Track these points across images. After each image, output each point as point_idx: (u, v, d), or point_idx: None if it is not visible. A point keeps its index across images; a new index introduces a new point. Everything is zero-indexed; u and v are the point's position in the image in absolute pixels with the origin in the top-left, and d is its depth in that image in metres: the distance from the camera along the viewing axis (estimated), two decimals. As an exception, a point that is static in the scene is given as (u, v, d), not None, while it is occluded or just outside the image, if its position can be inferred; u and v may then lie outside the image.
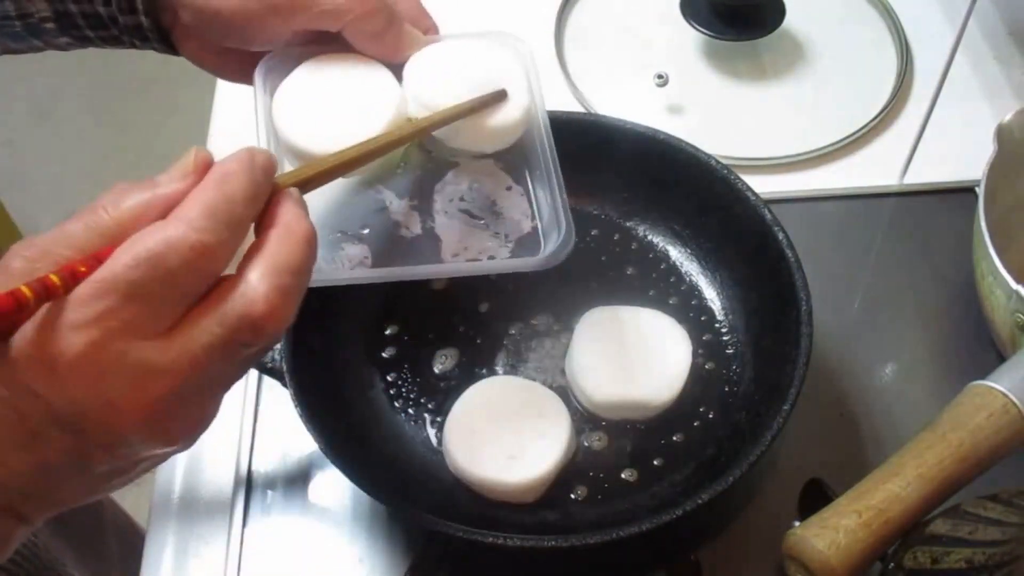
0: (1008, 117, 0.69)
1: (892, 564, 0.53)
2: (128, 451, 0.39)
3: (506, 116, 0.57)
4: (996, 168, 0.68)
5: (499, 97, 0.57)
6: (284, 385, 0.61)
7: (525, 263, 0.57)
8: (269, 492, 0.66)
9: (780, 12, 0.87)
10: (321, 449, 0.58)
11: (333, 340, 0.67)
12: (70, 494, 0.41)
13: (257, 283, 0.39)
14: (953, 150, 0.80)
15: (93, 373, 0.37)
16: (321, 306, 0.66)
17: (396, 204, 0.60)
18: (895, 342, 0.73)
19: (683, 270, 0.73)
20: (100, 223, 0.38)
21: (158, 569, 0.63)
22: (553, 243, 0.56)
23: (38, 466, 0.38)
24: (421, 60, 0.57)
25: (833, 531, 0.52)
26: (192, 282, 0.38)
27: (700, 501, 0.55)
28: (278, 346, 0.62)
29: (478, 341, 0.69)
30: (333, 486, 0.66)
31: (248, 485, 0.66)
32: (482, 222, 0.60)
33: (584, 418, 0.66)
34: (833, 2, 0.95)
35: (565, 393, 0.66)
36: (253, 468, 0.67)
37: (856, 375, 0.71)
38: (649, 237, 0.74)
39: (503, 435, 0.62)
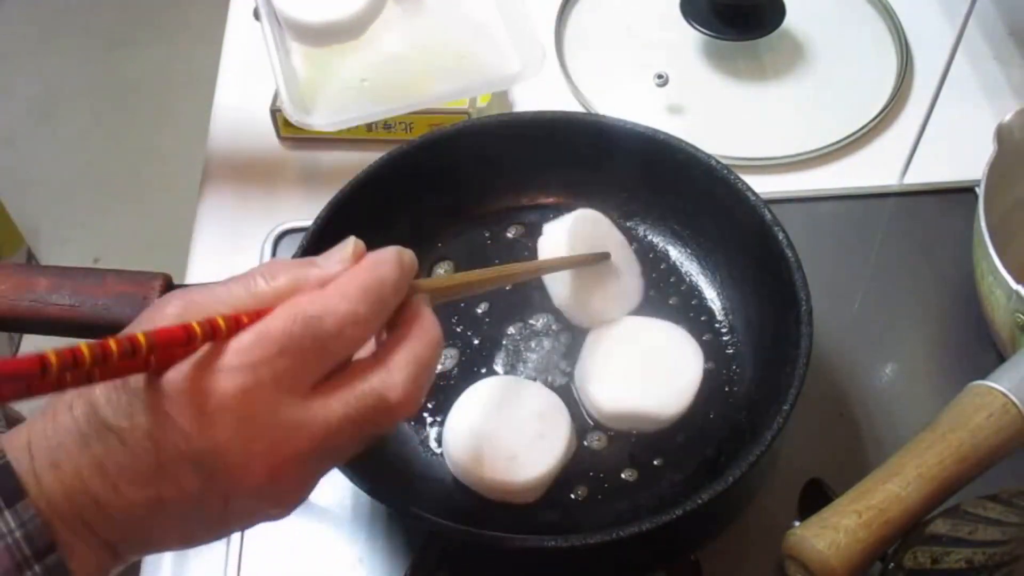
0: (1008, 117, 0.69)
1: (892, 564, 0.53)
2: (241, 506, 0.40)
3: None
4: (996, 168, 0.68)
5: (604, 257, 0.66)
6: (284, 385, 0.61)
7: (500, 78, 0.69)
8: (269, 492, 0.66)
9: (780, 12, 0.87)
10: (321, 449, 0.57)
11: (333, 340, 0.67)
12: (168, 539, 0.42)
13: (398, 370, 0.41)
14: (953, 150, 0.80)
15: (240, 417, 0.38)
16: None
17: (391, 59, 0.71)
18: (895, 342, 0.73)
19: (683, 270, 0.73)
20: (259, 290, 0.41)
21: (158, 569, 0.63)
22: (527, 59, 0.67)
23: (152, 502, 0.39)
24: None
25: (833, 531, 0.52)
26: (339, 348, 0.41)
27: (700, 501, 0.55)
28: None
29: (478, 341, 0.69)
30: (333, 486, 0.66)
31: (248, 485, 0.66)
32: (465, 58, 0.71)
33: (584, 418, 0.66)
34: (833, 2, 0.95)
35: (565, 393, 0.65)
36: (253, 468, 0.67)
37: (856, 375, 0.71)
38: (649, 237, 0.74)
39: (503, 435, 0.62)
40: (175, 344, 0.38)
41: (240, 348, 0.39)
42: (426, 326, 0.44)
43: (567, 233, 0.67)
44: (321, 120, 0.64)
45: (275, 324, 0.39)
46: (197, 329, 0.38)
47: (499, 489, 0.61)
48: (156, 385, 0.39)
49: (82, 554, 0.39)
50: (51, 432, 0.40)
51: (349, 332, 0.40)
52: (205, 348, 0.39)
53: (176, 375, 0.38)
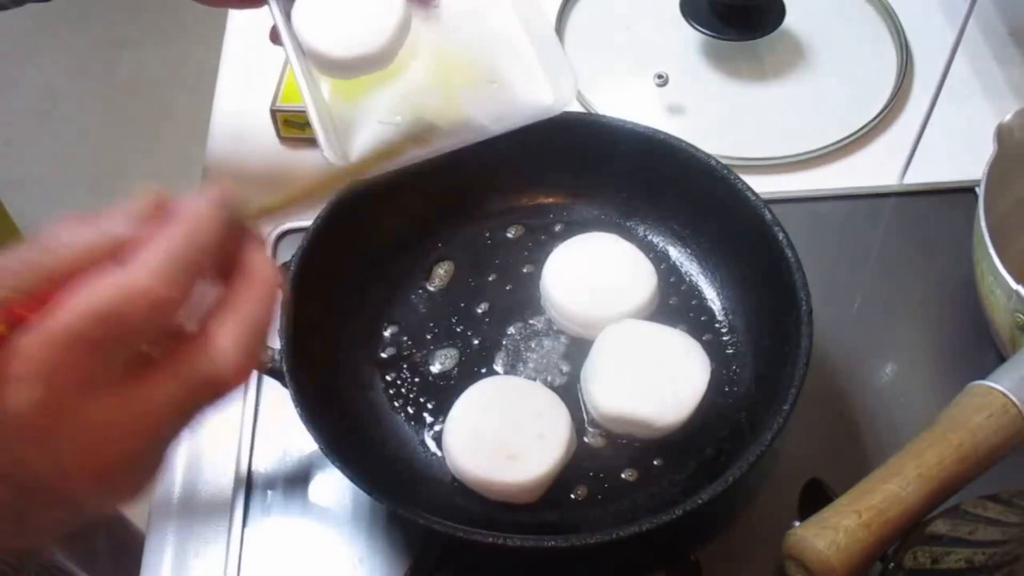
0: (1008, 117, 0.69)
1: (892, 564, 0.53)
2: (69, 508, 0.37)
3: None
4: (996, 168, 0.68)
5: (429, 130, 0.57)
6: (284, 385, 0.61)
7: (536, 110, 0.61)
8: (269, 492, 0.66)
9: (780, 12, 0.87)
10: (321, 449, 0.58)
11: (333, 341, 0.67)
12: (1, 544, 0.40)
13: (228, 348, 0.37)
14: (953, 150, 0.80)
15: (41, 432, 0.34)
16: (321, 307, 0.66)
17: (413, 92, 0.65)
18: (895, 342, 0.73)
19: (683, 270, 0.73)
20: (45, 264, 0.35)
21: (158, 569, 0.63)
22: (561, 87, 0.60)
23: None
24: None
25: (833, 531, 0.52)
26: (148, 333, 0.36)
27: (700, 501, 0.55)
28: (277, 346, 0.62)
29: (477, 341, 0.69)
30: (333, 486, 0.66)
31: (248, 485, 0.66)
32: (494, 84, 0.64)
33: (585, 418, 0.66)
34: (833, 2, 0.95)
35: (565, 393, 0.65)
36: (253, 468, 0.67)
37: (856, 375, 0.71)
38: (649, 237, 0.74)
39: (503, 435, 0.62)
40: None
41: (29, 355, 0.33)
42: (259, 277, 0.38)
43: None
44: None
45: (70, 323, 0.34)
46: None
47: (499, 489, 0.61)
48: None
49: None
50: None
51: (160, 319, 0.35)
52: None
53: None
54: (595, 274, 0.69)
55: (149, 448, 0.37)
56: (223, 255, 0.38)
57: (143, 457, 0.37)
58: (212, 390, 0.37)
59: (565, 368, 0.68)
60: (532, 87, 0.63)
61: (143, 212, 0.37)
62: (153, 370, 0.36)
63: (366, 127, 0.63)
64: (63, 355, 0.34)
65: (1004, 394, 0.56)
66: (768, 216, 0.66)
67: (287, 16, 0.62)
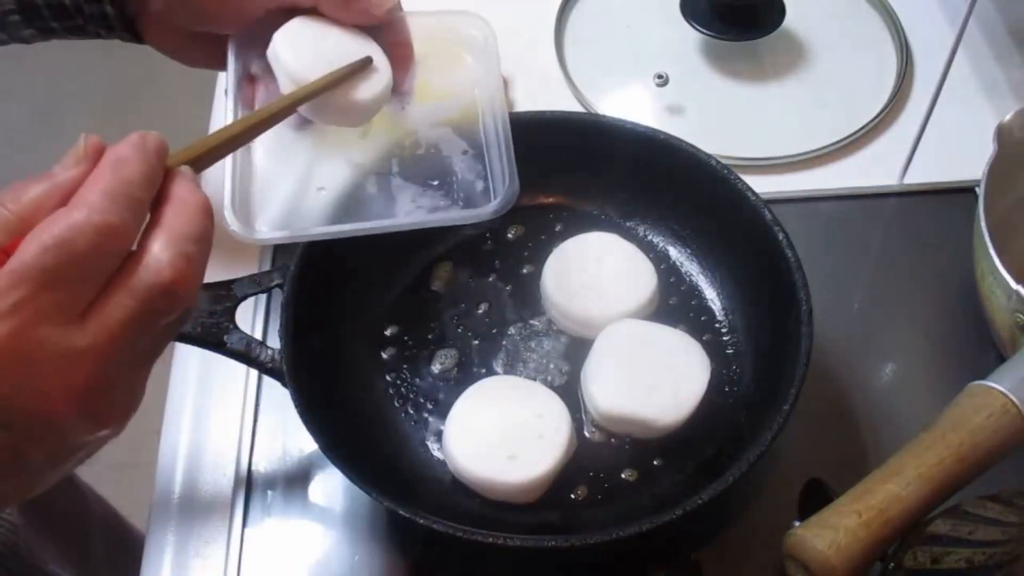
0: (1008, 117, 0.69)
1: (892, 564, 0.53)
2: (61, 441, 0.40)
3: (369, 89, 0.58)
4: (996, 168, 0.68)
5: (365, 64, 0.58)
6: (284, 385, 0.61)
7: (474, 213, 0.61)
8: (269, 492, 0.66)
9: (780, 12, 0.87)
10: (321, 449, 0.58)
11: (333, 340, 0.67)
12: (6, 491, 0.41)
13: (160, 253, 0.40)
14: (953, 150, 0.80)
15: (16, 363, 0.37)
16: (321, 307, 0.66)
17: (356, 168, 0.64)
18: (895, 342, 0.73)
19: (683, 270, 0.73)
20: (1, 219, 0.39)
21: (158, 569, 0.63)
22: (501, 195, 0.59)
23: None
24: (291, 34, 0.58)
25: (833, 531, 0.52)
26: (101, 263, 0.39)
27: (700, 501, 0.55)
28: (277, 346, 0.62)
29: (478, 341, 0.69)
30: (333, 486, 0.66)
31: (248, 485, 0.66)
32: (435, 183, 0.64)
33: (584, 418, 0.66)
34: (833, 2, 0.95)
35: (565, 393, 0.65)
36: (253, 468, 0.67)
37: (856, 375, 0.71)
38: (649, 237, 0.74)
39: (503, 435, 0.62)
40: None
41: None
42: (184, 199, 0.42)
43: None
44: (262, 232, 0.57)
45: (25, 259, 0.37)
46: None
47: (499, 489, 0.61)
48: None
49: None
50: None
51: (106, 245, 0.39)
52: None
53: None
54: (595, 274, 0.69)
55: (120, 366, 0.40)
56: (154, 192, 0.42)
57: (116, 376, 0.40)
58: (161, 296, 0.40)
59: (565, 368, 0.68)
60: (476, 191, 0.63)
61: (79, 156, 0.41)
62: (105, 291, 0.39)
63: (282, 191, 0.61)
64: (24, 289, 0.37)
65: (1004, 394, 0.56)
66: (768, 216, 0.66)
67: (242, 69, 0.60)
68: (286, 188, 0.62)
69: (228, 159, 0.57)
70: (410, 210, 0.63)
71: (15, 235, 0.38)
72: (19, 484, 0.41)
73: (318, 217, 0.61)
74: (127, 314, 0.39)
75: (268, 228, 0.58)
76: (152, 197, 0.41)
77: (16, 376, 0.37)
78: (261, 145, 0.61)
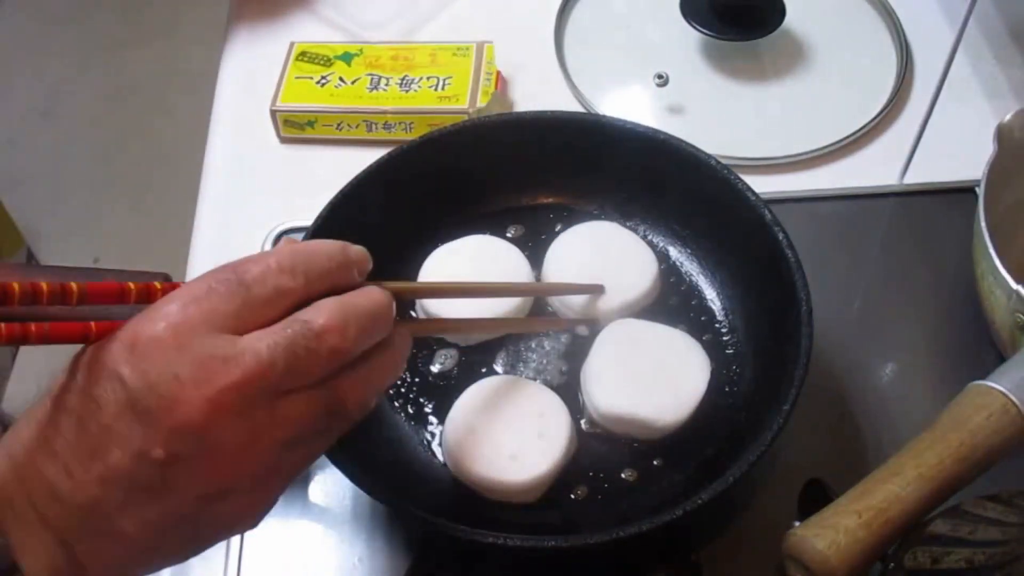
0: (1008, 117, 0.69)
1: (892, 564, 0.53)
2: (184, 459, 0.40)
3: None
4: (996, 168, 0.68)
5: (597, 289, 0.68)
6: (284, 385, 0.61)
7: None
8: (269, 492, 0.66)
9: (780, 12, 0.87)
10: (321, 449, 0.57)
11: (333, 340, 0.67)
12: (128, 533, 0.41)
13: (325, 304, 0.42)
14: (953, 150, 0.80)
15: (169, 348, 0.39)
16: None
17: None
18: (895, 342, 0.73)
19: (683, 270, 0.73)
20: (248, 295, 0.42)
21: (159, 571, 0.63)
22: None
23: (102, 480, 0.39)
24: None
25: (833, 531, 0.52)
26: (266, 295, 0.42)
27: (700, 501, 0.55)
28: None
29: (478, 341, 0.69)
30: (333, 486, 0.66)
31: (248, 485, 0.66)
32: None
33: (584, 418, 0.66)
34: (833, 2, 0.95)
35: (565, 393, 0.65)
36: (253, 468, 0.67)
37: (856, 375, 0.71)
38: (649, 237, 0.74)
39: (503, 435, 0.62)
40: (107, 294, 0.41)
41: (171, 296, 0.41)
42: (367, 290, 0.45)
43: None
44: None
45: (204, 275, 0.41)
46: (132, 286, 0.41)
47: (499, 489, 0.61)
48: (96, 347, 0.40)
49: (34, 548, 0.40)
50: (21, 426, 0.41)
51: (274, 280, 0.41)
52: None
53: (115, 333, 0.40)
54: (595, 261, 0.70)
55: (257, 396, 0.40)
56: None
57: (250, 406, 0.40)
58: (311, 335, 0.41)
59: (565, 368, 0.68)
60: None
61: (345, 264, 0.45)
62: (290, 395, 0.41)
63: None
64: (197, 292, 0.41)
65: (1004, 394, 0.56)
66: (768, 216, 0.66)
67: None
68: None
69: None
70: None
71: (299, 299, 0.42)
72: (139, 528, 0.41)
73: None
74: (275, 339, 0.40)
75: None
76: (338, 277, 0.45)
77: (161, 359, 0.39)
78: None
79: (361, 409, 0.45)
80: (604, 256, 0.70)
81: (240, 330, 0.40)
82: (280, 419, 0.41)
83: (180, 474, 0.40)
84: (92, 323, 0.41)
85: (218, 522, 0.43)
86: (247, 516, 0.44)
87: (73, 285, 0.40)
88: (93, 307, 0.41)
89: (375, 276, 0.48)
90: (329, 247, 0.45)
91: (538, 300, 0.71)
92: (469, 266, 0.70)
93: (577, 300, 0.69)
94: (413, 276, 0.70)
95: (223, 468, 0.41)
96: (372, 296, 0.44)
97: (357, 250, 0.46)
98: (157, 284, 0.42)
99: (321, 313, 0.42)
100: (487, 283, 0.67)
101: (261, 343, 0.40)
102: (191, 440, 0.39)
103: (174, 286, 0.42)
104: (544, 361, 0.68)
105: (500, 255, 0.71)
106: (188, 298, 0.40)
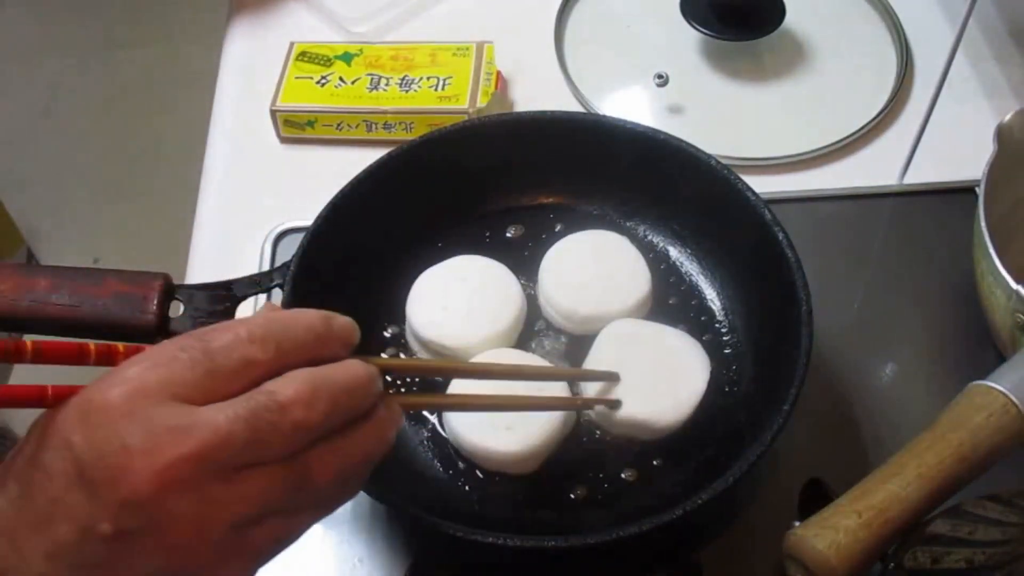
0: (1008, 117, 0.69)
1: (892, 564, 0.53)
2: (132, 535, 0.37)
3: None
4: (996, 168, 0.68)
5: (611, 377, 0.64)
6: (284, 385, 0.61)
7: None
8: (269, 492, 0.66)
9: (780, 12, 0.87)
10: (321, 449, 0.57)
11: (333, 340, 0.67)
12: None
13: (295, 375, 0.40)
14: (953, 150, 0.80)
15: (121, 415, 0.37)
16: (321, 307, 0.66)
17: None
18: (895, 342, 0.73)
19: (683, 270, 0.73)
20: (212, 365, 0.39)
21: (158, 569, 0.63)
22: None
23: (50, 555, 0.37)
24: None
25: (833, 531, 0.52)
26: (231, 364, 0.39)
27: (700, 501, 0.55)
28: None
29: (478, 341, 0.69)
30: (333, 486, 0.66)
31: (248, 485, 0.66)
32: None
33: (585, 418, 0.66)
34: (833, 2, 0.95)
35: (565, 392, 0.65)
36: (253, 468, 0.67)
37: (856, 375, 0.71)
38: (649, 237, 0.74)
39: None
40: (65, 354, 0.39)
41: (132, 360, 0.39)
42: (347, 363, 0.42)
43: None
44: None
45: (173, 339, 0.40)
46: (92, 346, 0.39)
47: (496, 458, 0.62)
48: (50, 412, 0.39)
49: None
50: None
51: (241, 351, 0.39)
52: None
53: (70, 399, 0.38)
54: (588, 271, 0.69)
55: (211, 470, 0.38)
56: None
57: (204, 480, 0.38)
58: (274, 408, 0.39)
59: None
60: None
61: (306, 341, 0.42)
62: (250, 468, 0.39)
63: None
64: (158, 359, 0.39)
65: (1004, 394, 0.56)
66: (768, 216, 0.66)
67: None
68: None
69: None
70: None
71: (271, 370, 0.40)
72: None
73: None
74: (236, 411, 0.38)
75: None
76: (315, 349, 0.42)
77: (111, 428, 0.37)
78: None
79: (338, 485, 0.42)
80: (597, 268, 0.69)
81: (201, 400, 0.38)
82: (238, 495, 0.38)
83: (129, 551, 0.37)
84: (48, 387, 0.39)
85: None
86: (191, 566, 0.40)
87: (28, 343, 0.38)
88: (94, 308, 0.41)
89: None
90: (310, 318, 0.42)
91: (529, 318, 0.70)
92: (459, 286, 0.68)
93: (570, 307, 0.68)
94: (413, 277, 0.70)
95: (175, 546, 0.38)
96: (350, 370, 0.41)
97: (343, 322, 0.44)
98: (120, 347, 0.40)
99: (288, 384, 0.39)
100: (490, 364, 0.63)
101: (220, 414, 0.38)
102: (139, 514, 0.37)
103: (138, 349, 0.40)
104: (544, 361, 0.68)
105: (489, 275, 0.70)
106: (149, 363, 0.38)
